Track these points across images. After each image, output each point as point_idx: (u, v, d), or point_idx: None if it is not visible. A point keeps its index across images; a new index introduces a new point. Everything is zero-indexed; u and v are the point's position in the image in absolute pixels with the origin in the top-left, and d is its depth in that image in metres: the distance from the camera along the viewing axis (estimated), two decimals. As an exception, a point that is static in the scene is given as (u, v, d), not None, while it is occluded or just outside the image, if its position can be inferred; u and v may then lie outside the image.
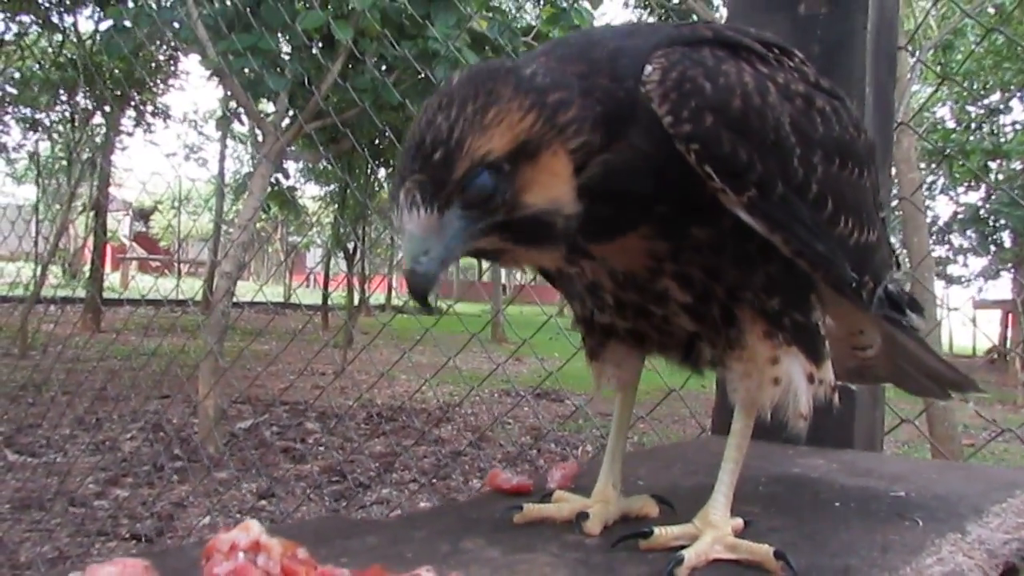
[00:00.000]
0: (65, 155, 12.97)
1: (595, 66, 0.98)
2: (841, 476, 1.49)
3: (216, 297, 6.22)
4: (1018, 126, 16.03)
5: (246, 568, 0.72)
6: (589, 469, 1.32)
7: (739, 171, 0.95)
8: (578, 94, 0.94)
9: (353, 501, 5.65)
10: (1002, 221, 17.67)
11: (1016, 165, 16.25)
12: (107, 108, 12.03)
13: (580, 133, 0.92)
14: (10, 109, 12.34)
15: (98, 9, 8.61)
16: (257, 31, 5.58)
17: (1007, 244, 18.84)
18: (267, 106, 7.92)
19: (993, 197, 16.36)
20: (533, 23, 7.76)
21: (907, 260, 6.51)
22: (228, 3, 6.00)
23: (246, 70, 6.04)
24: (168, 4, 6.70)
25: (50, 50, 10.88)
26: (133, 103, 13.54)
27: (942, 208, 19.87)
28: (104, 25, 8.05)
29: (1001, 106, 13.79)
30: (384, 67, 6.57)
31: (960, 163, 13.95)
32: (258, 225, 10.07)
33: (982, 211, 17.36)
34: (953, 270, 20.85)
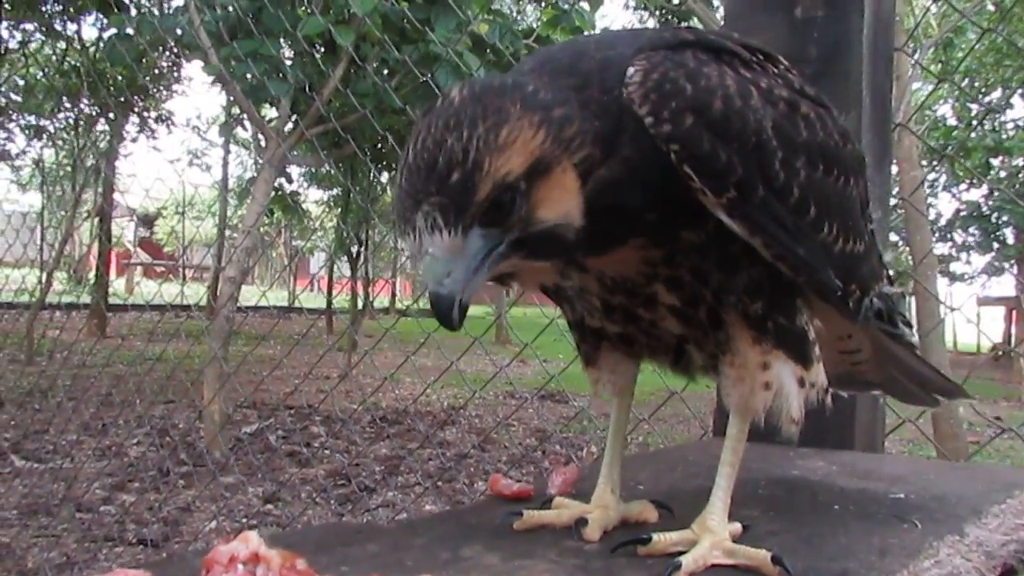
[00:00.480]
0: (69, 162, 13.01)
1: (586, 79, 0.98)
2: (840, 478, 1.49)
3: (220, 302, 6.24)
4: (1020, 123, 16.02)
5: (245, 576, 0.73)
6: (590, 473, 1.32)
7: (719, 172, 0.95)
8: (577, 108, 0.95)
9: (358, 505, 5.66)
10: (1004, 218, 17.64)
11: (1018, 162, 16.22)
12: (111, 115, 12.07)
13: (583, 147, 0.93)
14: (15, 117, 12.38)
15: (101, 17, 8.63)
16: (259, 37, 5.59)
17: (1010, 240, 18.79)
18: (269, 111, 7.95)
19: (995, 194, 16.32)
20: (534, 26, 7.76)
21: (910, 258, 6.50)
22: (230, 9, 6.01)
23: (248, 76, 6.05)
24: (170, 11, 6.74)
25: (54, 58, 10.92)
26: (136, 110, 13.58)
27: (944, 205, 19.84)
28: (107, 32, 8.07)
29: (1002, 103, 13.76)
30: (386, 71, 6.58)
31: (962, 161, 13.93)
32: (262, 230, 10.09)
33: (984, 208, 17.33)
34: (956, 267, 20.81)
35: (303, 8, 6.07)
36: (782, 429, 1.13)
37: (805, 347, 1.12)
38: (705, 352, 1.14)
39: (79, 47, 10.12)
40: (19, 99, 11.63)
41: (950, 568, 1.01)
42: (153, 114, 14.66)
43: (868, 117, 1.87)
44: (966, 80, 12.99)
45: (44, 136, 13.16)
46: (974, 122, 14.02)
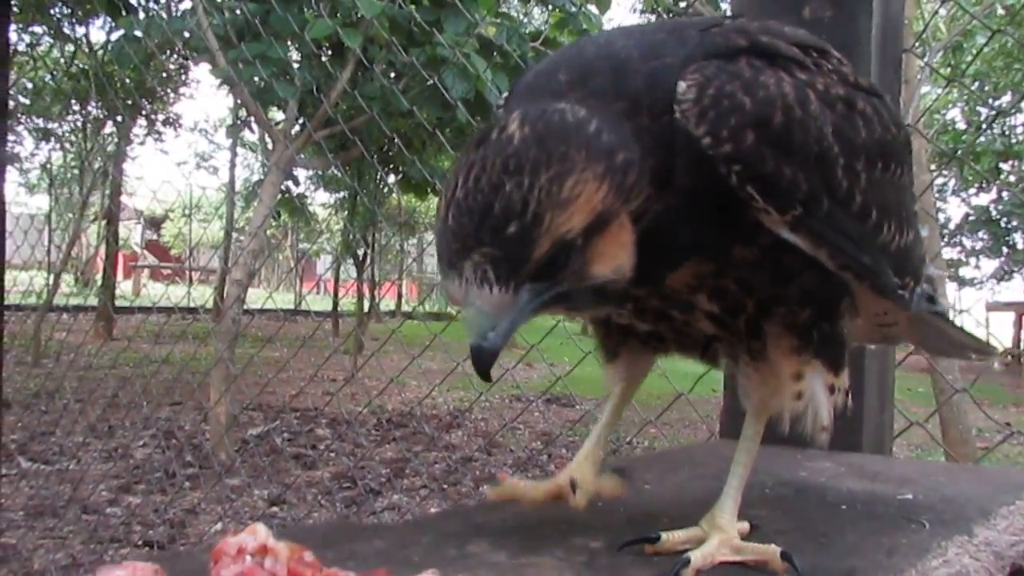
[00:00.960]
0: (77, 165, 13.07)
1: (636, 101, 0.92)
2: (848, 479, 1.49)
3: (227, 304, 6.26)
4: (1030, 127, 15.96)
5: (253, 571, 0.74)
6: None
7: (784, 190, 0.91)
8: (636, 146, 0.89)
9: (364, 507, 5.66)
10: (1014, 222, 17.57)
11: (1028, 166, 16.17)
12: (119, 118, 12.13)
13: (642, 192, 0.89)
14: (23, 119, 12.45)
15: (109, 20, 8.68)
16: (266, 40, 5.61)
17: (1019, 245, 18.72)
18: (277, 114, 7.97)
19: (1005, 198, 16.26)
20: (541, 28, 7.77)
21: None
22: (238, 12, 6.04)
23: (256, 79, 6.07)
24: (178, 14, 6.77)
25: (62, 60, 10.98)
26: (144, 112, 13.64)
27: (953, 210, 19.78)
28: (115, 35, 8.12)
29: (1012, 107, 13.71)
30: (393, 74, 6.60)
31: (972, 165, 13.89)
32: (268, 232, 10.12)
33: (994, 212, 17.28)
34: (965, 272, 20.75)
35: (311, 11, 6.09)
36: (812, 438, 1.12)
37: (840, 353, 1.11)
38: (732, 355, 1.12)
39: (87, 50, 10.18)
40: (27, 102, 11.69)
41: (959, 567, 1.01)
42: (161, 117, 14.73)
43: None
44: (976, 84, 12.96)
45: (52, 139, 13.24)
46: (983, 126, 13.97)
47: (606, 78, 0.94)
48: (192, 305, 5.98)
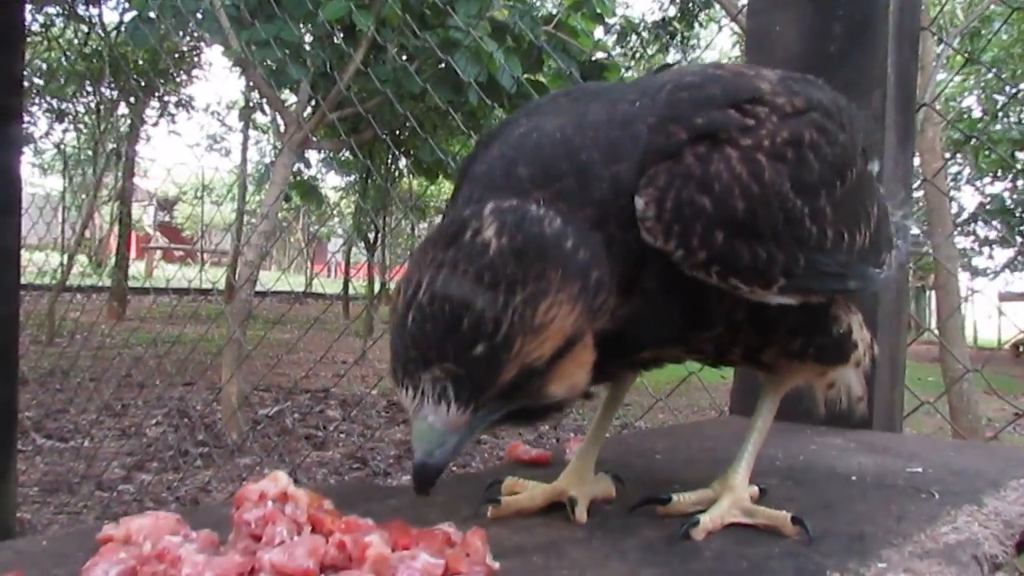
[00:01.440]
0: (90, 145, 13.12)
1: (603, 210, 0.90)
2: (858, 454, 1.50)
3: (239, 284, 6.29)
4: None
5: (274, 515, 0.75)
6: (605, 443, 1.33)
7: (764, 270, 0.92)
8: (606, 261, 0.87)
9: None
10: (1029, 212, 17.41)
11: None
12: (132, 99, 12.16)
13: (607, 307, 0.87)
14: (37, 100, 12.50)
15: (123, 0, 8.71)
16: (279, 21, 5.62)
17: (1034, 235, 18.56)
18: (289, 96, 7.98)
19: (1020, 187, 16.12)
20: (554, 12, 7.74)
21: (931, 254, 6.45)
22: (251, -7, 6.03)
23: (268, 60, 6.08)
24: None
25: (75, 41, 11.01)
26: (157, 94, 13.67)
27: (967, 199, 19.62)
28: (129, 16, 8.13)
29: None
30: (405, 56, 6.59)
31: (987, 153, 13.76)
32: (280, 215, 10.15)
33: (1008, 201, 17.12)
34: (979, 262, 20.60)
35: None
36: (852, 410, 1.17)
37: (845, 348, 1.12)
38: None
39: (101, 30, 10.20)
40: (42, 83, 11.74)
41: (968, 534, 1.02)
42: (173, 98, 14.76)
43: (892, 94, 1.86)
44: (992, 71, 12.82)
45: (66, 119, 13.28)
46: (999, 113, 13.83)
47: (571, 181, 0.91)
48: (204, 287, 5.99)
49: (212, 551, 0.75)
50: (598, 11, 6.64)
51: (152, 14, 6.42)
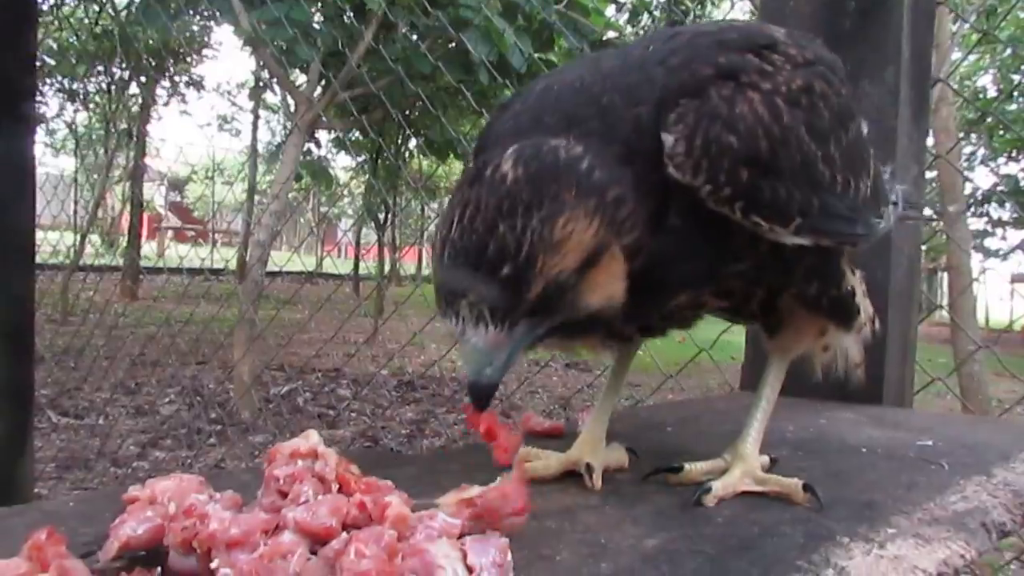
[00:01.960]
0: (102, 126, 13.14)
1: (630, 147, 0.94)
2: (869, 427, 1.51)
3: (250, 263, 6.32)
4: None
5: (302, 474, 0.78)
6: (617, 417, 1.35)
7: (783, 209, 0.96)
8: (630, 186, 0.91)
9: (385, 465, 5.73)
10: (1044, 193, 17.24)
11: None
12: (143, 78, 12.15)
13: (634, 228, 0.91)
14: (49, 80, 12.51)
15: (134, -21, 8.68)
16: (289, 0, 5.60)
17: (1048, 217, 18.38)
18: (299, 76, 7.96)
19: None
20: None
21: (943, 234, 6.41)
22: (261, -29, 6.01)
23: (278, 40, 6.06)
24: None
25: (87, 21, 10.98)
26: (168, 73, 13.66)
27: (981, 179, 19.45)
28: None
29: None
30: (415, 35, 6.57)
31: (1001, 133, 13.62)
32: (291, 195, 10.17)
33: (1023, 182, 16.96)
34: (991, 243, 20.44)
35: (334, -30, 6.05)
36: (848, 376, 1.19)
37: (853, 308, 1.16)
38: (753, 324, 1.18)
39: (112, 10, 10.18)
40: (53, 62, 11.73)
41: (976, 503, 1.03)
42: (184, 78, 14.75)
43: (907, 70, 1.85)
44: (1008, 50, 12.66)
45: (77, 99, 13.30)
46: (1015, 92, 13.67)
47: (596, 123, 0.96)
48: (216, 267, 6.02)
49: (236, 511, 0.77)
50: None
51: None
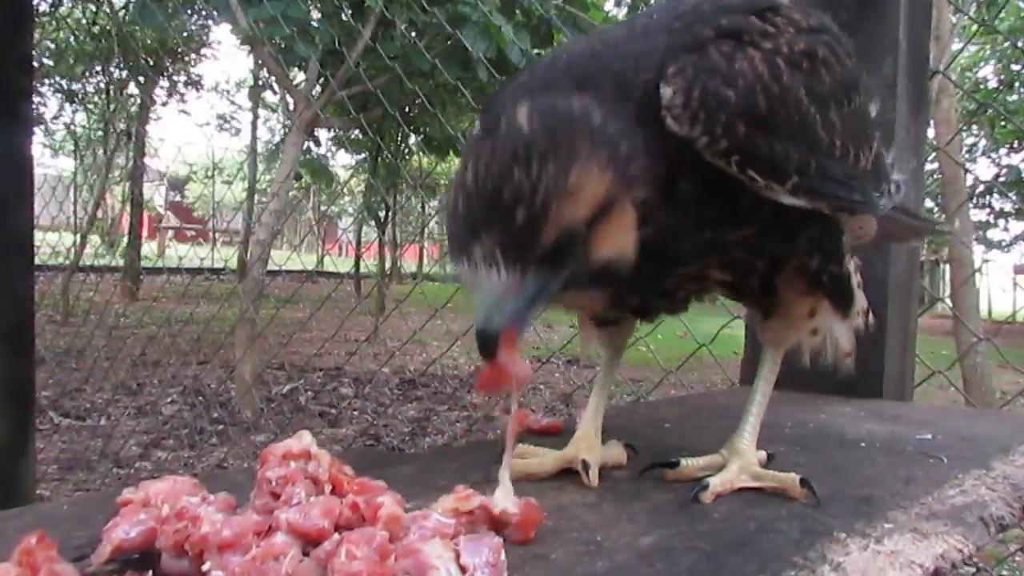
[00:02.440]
0: (100, 126, 13.13)
1: (642, 110, 0.95)
2: (868, 421, 1.50)
3: (251, 262, 6.32)
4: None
5: (296, 473, 0.78)
6: (616, 413, 1.34)
7: (779, 166, 0.97)
8: (642, 144, 0.93)
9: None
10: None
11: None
12: (141, 78, 12.14)
13: (645, 185, 0.92)
14: (47, 81, 12.49)
15: (131, -21, 8.67)
16: (287, -2, 5.58)
17: (1050, 208, 18.33)
18: (298, 75, 7.96)
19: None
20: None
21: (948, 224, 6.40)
22: (258, -30, 6.00)
23: (276, 38, 6.05)
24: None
25: (84, 21, 10.96)
26: (166, 73, 13.64)
27: (983, 171, 19.40)
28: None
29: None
30: (414, 32, 6.55)
31: (1003, 124, 13.58)
32: (290, 194, 10.16)
33: (1024, 173, 16.92)
34: (993, 234, 20.40)
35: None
36: (837, 365, 1.18)
37: (850, 291, 1.16)
38: (748, 305, 1.18)
39: (109, 10, 10.17)
40: (51, 63, 11.72)
41: (975, 497, 1.02)
42: (182, 78, 14.73)
43: (904, 62, 1.84)
44: (1009, 39, 12.61)
45: (76, 100, 13.28)
46: (1015, 83, 13.64)
47: (611, 87, 0.97)
48: (216, 265, 6.02)
49: (229, 513, 0.77)
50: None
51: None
